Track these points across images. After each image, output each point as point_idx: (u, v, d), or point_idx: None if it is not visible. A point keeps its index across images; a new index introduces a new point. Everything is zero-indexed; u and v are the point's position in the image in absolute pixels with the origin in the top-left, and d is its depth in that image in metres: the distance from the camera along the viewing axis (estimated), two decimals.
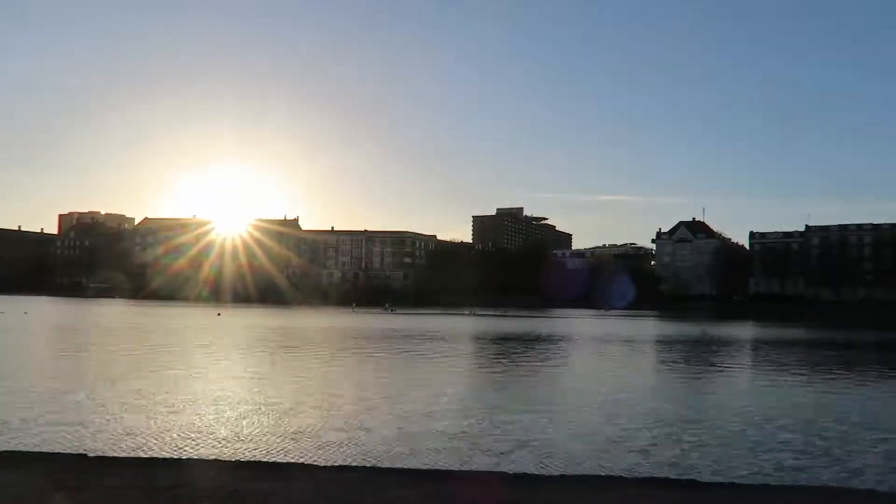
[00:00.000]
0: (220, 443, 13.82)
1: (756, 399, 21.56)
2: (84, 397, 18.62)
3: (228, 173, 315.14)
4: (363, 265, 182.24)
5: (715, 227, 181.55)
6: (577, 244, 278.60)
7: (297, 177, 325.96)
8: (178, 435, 14.37)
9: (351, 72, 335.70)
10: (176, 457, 12.41)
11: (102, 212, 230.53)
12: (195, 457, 12.48)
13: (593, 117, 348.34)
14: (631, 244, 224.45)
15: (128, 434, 14.33)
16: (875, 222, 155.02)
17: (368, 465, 12.19)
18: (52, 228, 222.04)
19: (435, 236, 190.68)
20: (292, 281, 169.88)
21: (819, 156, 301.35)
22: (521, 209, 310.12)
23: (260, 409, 17.70)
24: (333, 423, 15.97)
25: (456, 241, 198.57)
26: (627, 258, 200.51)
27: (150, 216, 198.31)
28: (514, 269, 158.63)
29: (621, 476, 11.59)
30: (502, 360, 32.91)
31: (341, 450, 13.45)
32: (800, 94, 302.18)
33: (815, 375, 28.60)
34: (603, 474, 11.80)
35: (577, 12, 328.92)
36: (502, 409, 18.31)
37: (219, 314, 75.76)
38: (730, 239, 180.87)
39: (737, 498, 10.35)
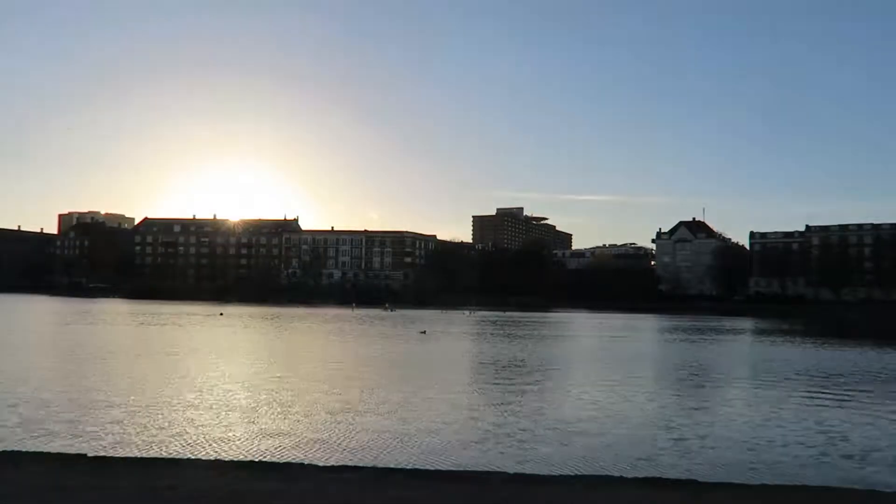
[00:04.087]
0: (220, 443, 13.82)
1: None
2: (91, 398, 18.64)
3: (228, 173, 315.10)
4: (363, 265, 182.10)
5: (715, 227, 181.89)
6: (577, 244, 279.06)
7: (297, 177, 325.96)
8: (179, 435, 14.38)
9: (351, 72, 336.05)
10: (176, 457, 12.41)
11: (102, 212, 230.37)
12: (195, 457, 12.48)
13: (594, 117, 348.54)
14: (631, 244, 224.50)
15: (128, 434, 14.35)
16: (875, 222, 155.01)
17: (368, 464, 12.19)
18: (52, 228, 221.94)
19: (435, 236, 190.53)
20: (292, 281, 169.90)
21: (819, 156, 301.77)
22: (521, 209, 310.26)
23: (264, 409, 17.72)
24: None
25: (456, 240, 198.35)
26: (627, 258, 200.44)
27: (150, 216, 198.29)
28: (514, 269, 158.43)
29: (621, 476, 11.59)
30: None
31: (341, 450, 13.47)
32: (800, 94, 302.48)
33: None
34: (603, 474, 11.79)
35: (577, 12, 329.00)
36: None
37: (221, 314, 75.81)
38: (730, 239, 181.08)
39: (737, 498, 10.34)
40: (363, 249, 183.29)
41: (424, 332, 49.67)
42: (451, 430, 15.53)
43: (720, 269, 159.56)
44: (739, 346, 48.46)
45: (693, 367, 32.07)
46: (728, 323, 79.99)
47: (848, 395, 22.72)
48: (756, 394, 23.34)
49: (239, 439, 14.14)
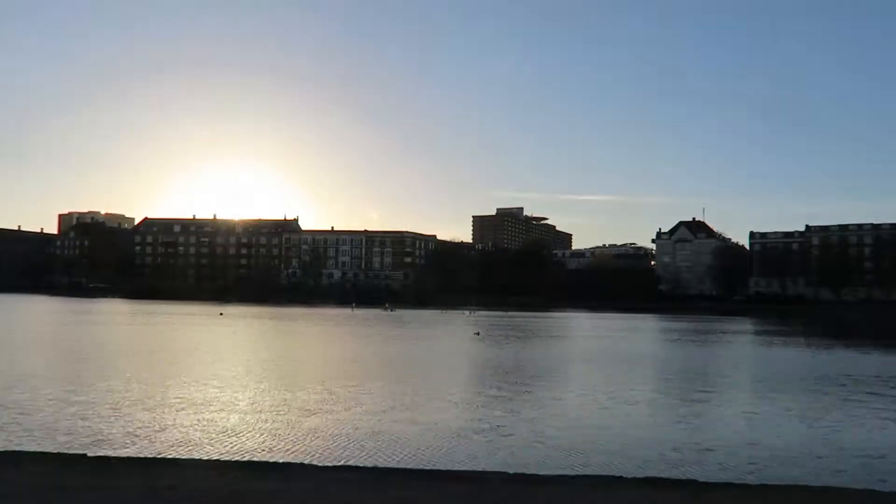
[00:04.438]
0: (220, 443, 13.81)
1: None
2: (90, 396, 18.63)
3: (228, 173, 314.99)
4: (363, 265, 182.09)
5: (715, 227, 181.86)
6: (577, 244, 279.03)
7: (297, 177, 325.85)
8: (179, 435, 14.38)
9: (351, 72, 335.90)
10: (176, 457, 12.41)
11: (102, 212, 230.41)
12: (195, 457, 12.48)
13: (594, 117, 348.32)
14: (631, 244, 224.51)
15: (128, 434, 14.34)
16: (875, 222, 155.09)
17: (368, 464, 12.20)
18: (52, 228, 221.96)
19: (435, 236, 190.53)
20: (292, 281, 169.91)
21: (819, 156, 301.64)
22: (521, 209, 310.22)
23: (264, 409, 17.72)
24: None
25: (456, 240, 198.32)
26: (627, 258, 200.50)
27: (150, 216, 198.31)
28: (514, 269, 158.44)
29: (621, 476, 11.58)
30: None
31: (341, 449, 13.47)
32: (800, 94, 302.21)
33: None
34: (603, 474, 11.79)
35: (577, 12, 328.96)
36: None
37: (221, 314, 75.82)
38: (730, 239, 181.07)
39: (737, 498, 10.34)
40: (363, 249, 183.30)
41: (479, 334, 49.59)
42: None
43: (720, 269, 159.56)
44: (739, 348, 48.41)
45: (693, 371, 32.08)
46: (728, 325, 79.79)
47: (850, 399, 22.72)
48: (755, 400, 23.34)
49: (240, 439, 14.13)
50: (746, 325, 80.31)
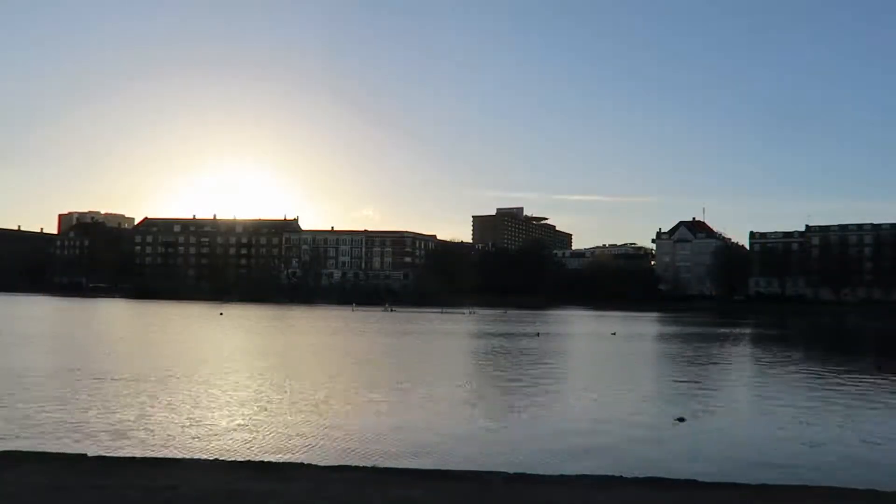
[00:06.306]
0: (220, 443, 13.81)
1: None
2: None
3: (228, 173, 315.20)
4: (363, 265, 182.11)
5: (715, 227, 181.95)
6: (577, 244, 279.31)
7: (297, 177, 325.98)
8: (179, 435, 14.38)
9: (352, 72, 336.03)
10: (176, 457, 12.40)
11: (102, 212, 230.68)
12: (195, 457, 12.47)
13: (594, 117, 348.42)
14: (631, 244, 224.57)
15: (129, 434, 14.34)
16: (875, 222, 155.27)
17: (369, 464, 12.19)
18: (52, 228, 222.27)
19: (435, 236, 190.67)
20: (292, 281, 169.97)
21: (819, 156, 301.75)
22: (521, 209, 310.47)
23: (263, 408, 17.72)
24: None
25: (456, 240, 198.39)
26: (627, 258, 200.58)
27: (150, 216, 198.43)
28: (514, 269, 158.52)
29: (621, 476, 11.57)
30: None
31: (341, 449, 13.47)
32: (800, 94, 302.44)
33: None
34: (603, 474, 11.78)
35: (577, 12, 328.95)
36: None
37: (221, 314, 75.81)
38: (730, 239, 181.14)
39: (737, 498, 10.33)
40: (363, 249, 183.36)
41: (538, 335, 49.38)
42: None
43: (720, 268, 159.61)
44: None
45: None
46: (724, 329, 78.56)
47: None
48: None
49: (240, 439, 14.13)
50: (744, 329, 80.00)
